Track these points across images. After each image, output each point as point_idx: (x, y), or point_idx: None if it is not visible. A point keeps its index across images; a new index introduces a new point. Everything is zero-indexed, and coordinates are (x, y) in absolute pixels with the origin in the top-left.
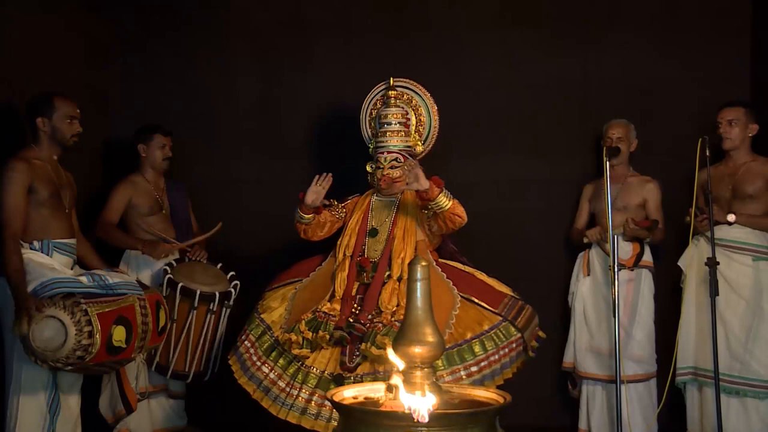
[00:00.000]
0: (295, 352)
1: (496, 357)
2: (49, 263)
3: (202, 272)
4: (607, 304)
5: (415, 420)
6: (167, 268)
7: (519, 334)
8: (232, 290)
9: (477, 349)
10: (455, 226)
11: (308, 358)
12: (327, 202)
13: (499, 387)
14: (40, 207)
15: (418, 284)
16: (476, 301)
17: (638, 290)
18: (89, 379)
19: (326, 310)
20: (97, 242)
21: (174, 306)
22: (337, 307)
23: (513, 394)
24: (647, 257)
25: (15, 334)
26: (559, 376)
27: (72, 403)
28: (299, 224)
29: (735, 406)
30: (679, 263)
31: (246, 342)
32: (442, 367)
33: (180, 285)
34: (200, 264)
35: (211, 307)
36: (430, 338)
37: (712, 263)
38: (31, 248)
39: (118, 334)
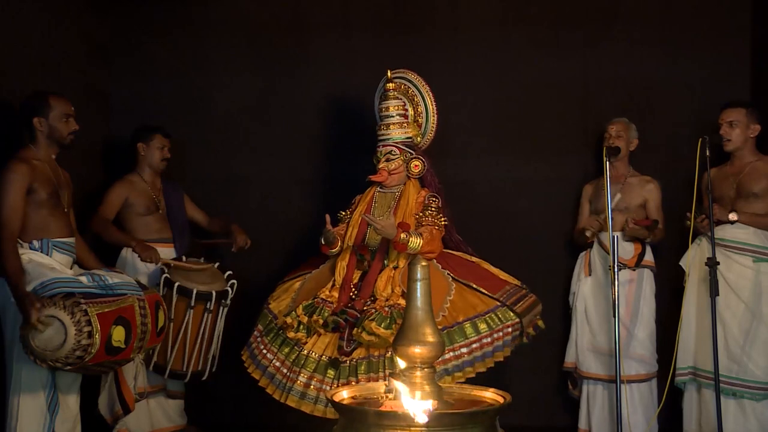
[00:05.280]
0: (290, 335)
1: (489, 340)
2: (48, 263)
3: (199, 271)
4: (609, 303)
5: (415, 420)
6: (164, 267)
7: (517, 319)
8: (229, 289)
9: (469, 330)
10: (427, 258)
11: (304, 342)
12: (340, 216)
13: (499, 387)
14: (39, 207)
15: (418, 284)
16: (474, 286)
17: (640, 290)
18: (89, 379)
19: (324, 297)
20: (92, 241)
21: (171, 305)
22: (336, 294)
23: (513, 394)
24: (648, 257)
25: (24, 333)
26: (559, 375)
27: (71, 402)
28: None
29: (732, 407)
30: (680, 263)
31: (255, 332)
32: None
33: (177, 284)
34: (197, 263)
35: (208, 306)
36: (430, 338)
37: (712, 263)
38: (30, 248)
39: (118, 334)
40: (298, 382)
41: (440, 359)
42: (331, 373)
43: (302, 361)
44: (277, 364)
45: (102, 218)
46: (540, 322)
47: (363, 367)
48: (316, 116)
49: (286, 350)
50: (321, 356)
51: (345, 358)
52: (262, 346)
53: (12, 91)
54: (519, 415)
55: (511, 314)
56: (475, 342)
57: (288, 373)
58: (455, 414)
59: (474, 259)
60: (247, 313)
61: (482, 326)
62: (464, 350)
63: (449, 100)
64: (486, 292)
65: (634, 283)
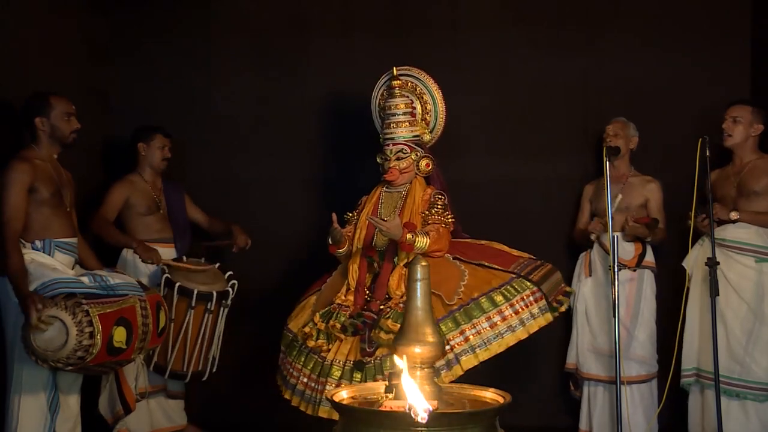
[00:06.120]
0: (311, 344)
1: (511, 311)
2: (50, 263)
3: (200, 272)
4: (609, 304)
5: (415, 420)
6: (165, 267)
7: (535, 287)
8: (230, 290)
9: (486, 305)
10: (435, 257)
11: (326, 350)
12: (347, 217)
13: (500, 387)
14: (41, 206)
15: (418, 284)
16: (486, 264)
17: (640, 290)
18: (89, 379)
19: (340, 302)
20: (93, 242)
21: (171, 306)
22: (351, 298)
23: (514, 394)
24: (649, 257)
25: (26, 333)
26: (560, 376)
27: (72, 402)
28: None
29: (735, 408)
30: (683, 264)
31: (281, 354)
32: (452, 329)
33: (177, 284)
34: (198, 264)
35: (208, 307)
36: (430, 338)
37: (712, 263)
38: (32, 248)
39: (119, 334)
40: (326, 392)
41: (461, 339)
42: (357, 375)
43: (327, 371)
44: (305, 380)
45: (102, 219)
46: (569, 288)
47: (388, 363)
48: (316, 116)
49: (311, 365)
50: (345, 362)
51: (369, 359)
52: (288, 366)
53: (12, 91)
54: (519, 415)
55: (528, 283)
56: (495, 315)
57: (316, 386)
58: (455, 414)
59: (483, 241)
60: (248, 313)
61: (498, 298)
62: (486, 325)
63: (449, 100)
64: (499, 268)
65: (635, 284)
